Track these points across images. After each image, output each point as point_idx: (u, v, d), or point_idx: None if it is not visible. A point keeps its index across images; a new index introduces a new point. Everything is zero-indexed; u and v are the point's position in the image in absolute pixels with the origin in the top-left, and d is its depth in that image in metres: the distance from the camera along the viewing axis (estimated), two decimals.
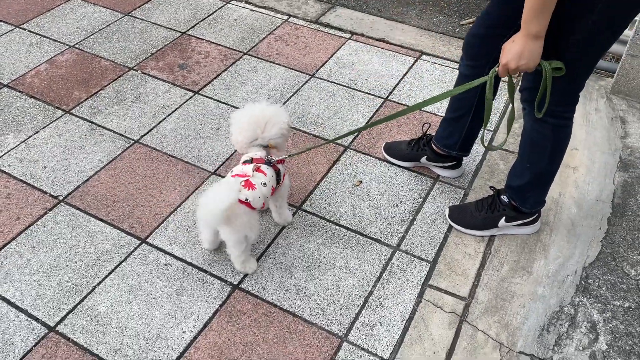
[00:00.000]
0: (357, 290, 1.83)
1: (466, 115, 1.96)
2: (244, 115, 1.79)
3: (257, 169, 1.74)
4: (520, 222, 1.94)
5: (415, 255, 1.94)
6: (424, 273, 1.88)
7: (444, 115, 2.09)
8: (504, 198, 1.93)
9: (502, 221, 1.93)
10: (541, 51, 1.44)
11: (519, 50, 1.43)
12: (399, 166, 2.27)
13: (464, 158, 2.22)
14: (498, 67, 1.52)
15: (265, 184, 1.73)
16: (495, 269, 1.88)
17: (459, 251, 1.94)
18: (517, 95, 1.77)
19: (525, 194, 1.86)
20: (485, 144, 1.71)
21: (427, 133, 2.20)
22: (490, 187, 2.03)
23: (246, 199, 1.69)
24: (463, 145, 2.09)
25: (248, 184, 1.70)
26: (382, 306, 1.79)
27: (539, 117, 1.63)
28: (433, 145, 2.15)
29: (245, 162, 1.79)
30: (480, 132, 1.83)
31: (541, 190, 1.87)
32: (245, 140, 1.80)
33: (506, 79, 1.63)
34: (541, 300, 1.78)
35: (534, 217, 1.95)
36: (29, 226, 2.03)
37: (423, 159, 2.20)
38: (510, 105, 1.63)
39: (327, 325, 1.74)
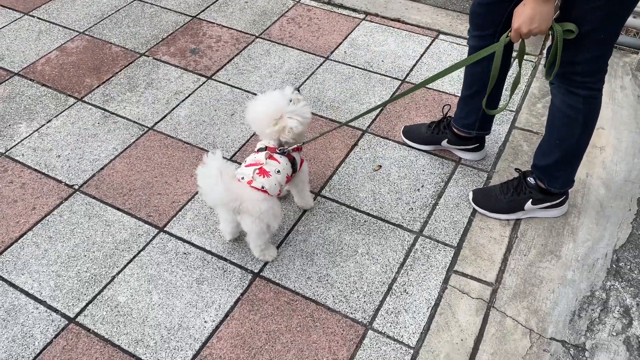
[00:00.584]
0: (380, 277, 1.79)
1: (482, 91, 1.90)
2: (250, 110, 1.73)
3: (270, 157, 1.70)
4: (548, 204, 1.88)
5: (439, 241, 1.89)
6: (448, 259, 1.83)
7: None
8: (531, 180, 1.87)
9: (528, 204, 1.88)
10: (552, 13, 1.43)
11: (530, 13, 1.42)
12: (419, 150, 2.21)
13: (487, 141, 2.16)
14: (510, 32, 1.49)
15: (279, 171, 1.69)
16: (522, 253, 1.83)
17: (484, 235, 1.89)
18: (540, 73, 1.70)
19: (554, 172, 1.80)
20: (486, 107, 1.71)
21: (448, 115, 2.14)
22: (515, 169, 1.97)
23: (262, 187, 1.65)
24: (482, 123, 2.03)
25: (262, 172, 1.66)
26: (407, 293, 1.74)
27: (548, 80, 1.63)
28: (453, 127, 2.09)
29: (259, 150, 1.74)
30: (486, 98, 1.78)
31: (570, 168, 1.81)
32: (258, 132, 1.77)
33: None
34: (571, 284, 1.73)
35: (562, 199, 1.89)
36: (45, 216, 2.00)
37: (444, 142, 2.14)
38: (518, 69, 1.61)
39: (351, 313, 1.70)
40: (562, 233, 1.88)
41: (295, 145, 1.76)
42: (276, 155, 1.71)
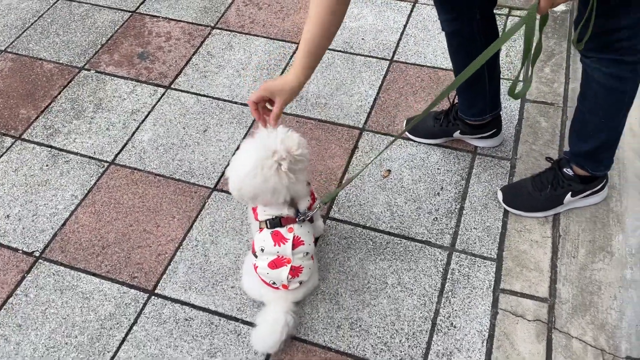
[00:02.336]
0: (420, 312, 1.55)
1: (481, 76, 1.65)
2: (236, 171, 1.34)
3: (295, 244, 1.38)
4: (588, 192, 1.67)
5: (476, 254, 1.66)
6: (491, 275, 1.61)
7: None
8: (568, 171, 1.64)
9: (567, 197, 1.66)
10: None
11: None
12: (428, 144, 1.94)
13: (503, 122, 1.91)
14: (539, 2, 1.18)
15: (307, 253, 1.42)
16: (570, 255, 1.62)
17: (524, 240, 1.66)
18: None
19: (599, 155, 1.58)
20: (514, 92, 1.38)
21: (455, 103, 1.87)
22: (547, 158, 1.73)
23: (300, 282, 1.44)
24: (492, 106, 1.79)
25: (295, 272, 1.41)
26: (455, 327, 1.52)
27: (579, 49, 1.39)
28: (463, 118, 1.82)
29: (268, 223, 1.40)
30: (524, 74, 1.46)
31: (615, 146, 1.59)
32: (269, 203, 1.39)
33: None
34: (633, 286, 1.54)
35: (602, 184, 1.67)
36: (7, 299, 1.65)
37: (456, 134, 1.88)
38: (538, 38, 1.31)
39: None
40: (608, 223, 1.68)
41: (315, 208, 1.45)
42: (298, 232, 1.39)
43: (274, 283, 1.42)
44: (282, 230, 1.38)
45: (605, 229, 1.67)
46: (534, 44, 1.29)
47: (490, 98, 1.77)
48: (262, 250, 1.40)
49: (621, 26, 1.31)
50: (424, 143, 1.94)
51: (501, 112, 1.86)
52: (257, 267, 1.43)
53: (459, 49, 1.67)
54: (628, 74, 1.41)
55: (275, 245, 1.38)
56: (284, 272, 1.38)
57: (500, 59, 2.20)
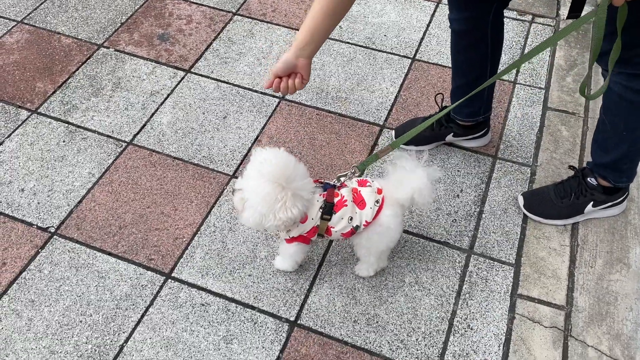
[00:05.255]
0: (437, 312, 1.56)
1: (482, 76, 1.66)
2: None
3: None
4: (609, 204, 1.68)
5: (494, 258, 1.66)
6: (509, 280, 1.61)
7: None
8: (591, 180, 1.65)
9: (589, 207, 1.67)
10: None
11: None
12: (419, 150, 1.92)
13: (523, 127, 1.92)
14: None
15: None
16: (588, 265, 1.63)
17: (542, 247, 1.67)
18: None
19: (621, 166, 1.59)
20: (586, 93, 1.32)
21: (444, 105, 1.86)
22: (570, 166, 1.74)
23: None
24: (486, 107, 1.82)
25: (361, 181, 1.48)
26: (471, 329, 1.52)
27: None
28: (456, 119, 1.82)
29: (326, 209, 1.42)
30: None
31: (637, 159, 1.60)
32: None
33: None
34: None
35: (623, 196, 1.69)
36: (21, 273, 1.64)
37: (449, 137, 1.88)
38: (618, 38, 1.23)
39: None
40: (626, 235, 1.69)
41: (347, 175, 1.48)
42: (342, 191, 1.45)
43: (377, 202, 1.43)
44: (337, 200, 1.42)
45: (623, 241, 1.68)
46: (612, 43, 1.22)
47: (486, 99, 1.78)
48: (351, 218, 1.42)
49: (638, 43, 1.31)
50: (415, 150, 1.92)
51: (521, 127, 1.86)
52: (368, 222, 1.42)
53: (467, 49, 1.65)
54: None
55: (342, 208, 1.41)
56: (370, 197, 1.42)
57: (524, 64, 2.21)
